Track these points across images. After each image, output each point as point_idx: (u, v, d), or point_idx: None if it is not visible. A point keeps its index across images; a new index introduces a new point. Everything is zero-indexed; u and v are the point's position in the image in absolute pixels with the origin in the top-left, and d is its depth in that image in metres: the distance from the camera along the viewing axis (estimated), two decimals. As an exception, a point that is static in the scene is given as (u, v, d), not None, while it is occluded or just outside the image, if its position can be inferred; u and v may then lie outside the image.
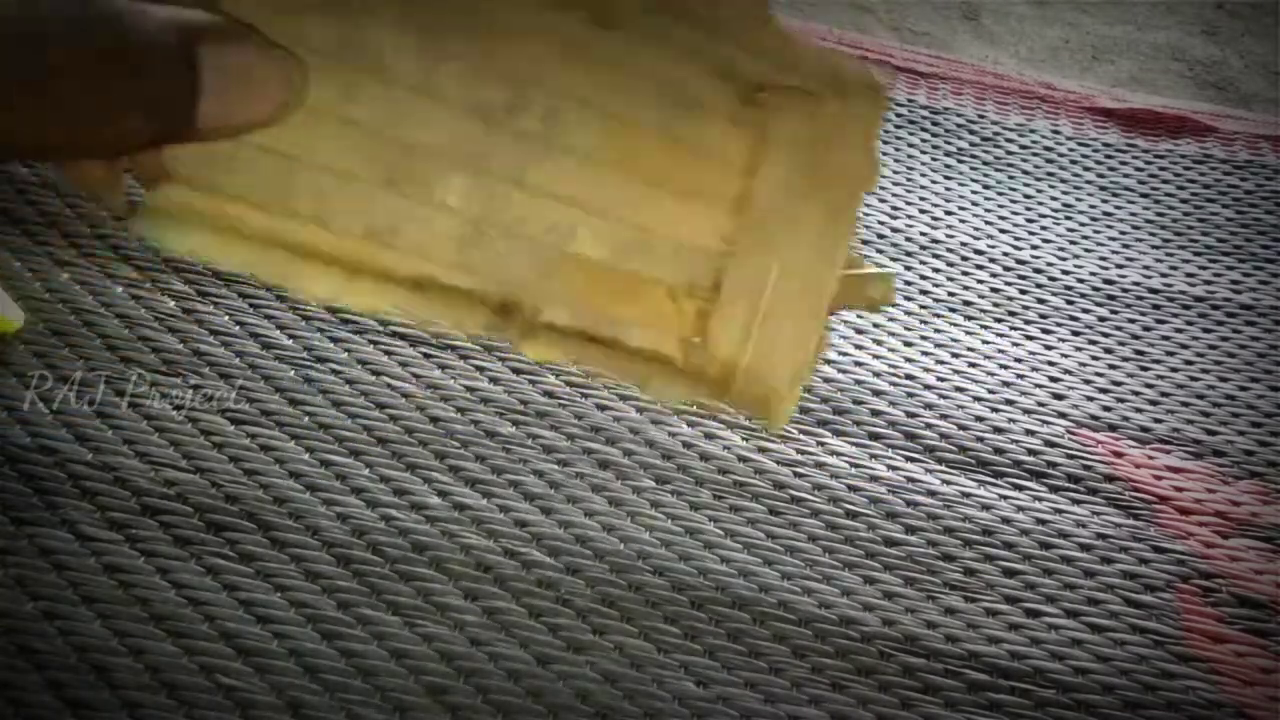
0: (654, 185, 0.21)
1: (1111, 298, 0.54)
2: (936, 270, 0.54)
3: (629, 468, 0.43)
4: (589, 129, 0.21)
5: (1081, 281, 0.55)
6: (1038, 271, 0.55)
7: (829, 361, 0.48)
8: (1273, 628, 0.41)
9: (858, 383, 0.48)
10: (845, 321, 0.51)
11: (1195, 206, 0.60)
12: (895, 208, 0.57)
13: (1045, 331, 0.52)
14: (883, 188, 0.58)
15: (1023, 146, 0.62)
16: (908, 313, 0.52)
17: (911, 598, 0.41)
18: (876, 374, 0.48)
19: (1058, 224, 0.58)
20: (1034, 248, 0.56)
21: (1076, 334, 0.52)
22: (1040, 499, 0.45)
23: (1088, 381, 0.50)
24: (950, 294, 0.53)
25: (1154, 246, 0.57)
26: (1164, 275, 0.56)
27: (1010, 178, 0.60)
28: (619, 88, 0.21)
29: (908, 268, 0.54)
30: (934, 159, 0.61)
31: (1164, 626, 0.41)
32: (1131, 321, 0.53)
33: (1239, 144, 0.64)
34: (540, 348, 0.21)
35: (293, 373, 0.43)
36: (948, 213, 0.57)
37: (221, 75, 0.16)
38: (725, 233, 0.22)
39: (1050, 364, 0.50)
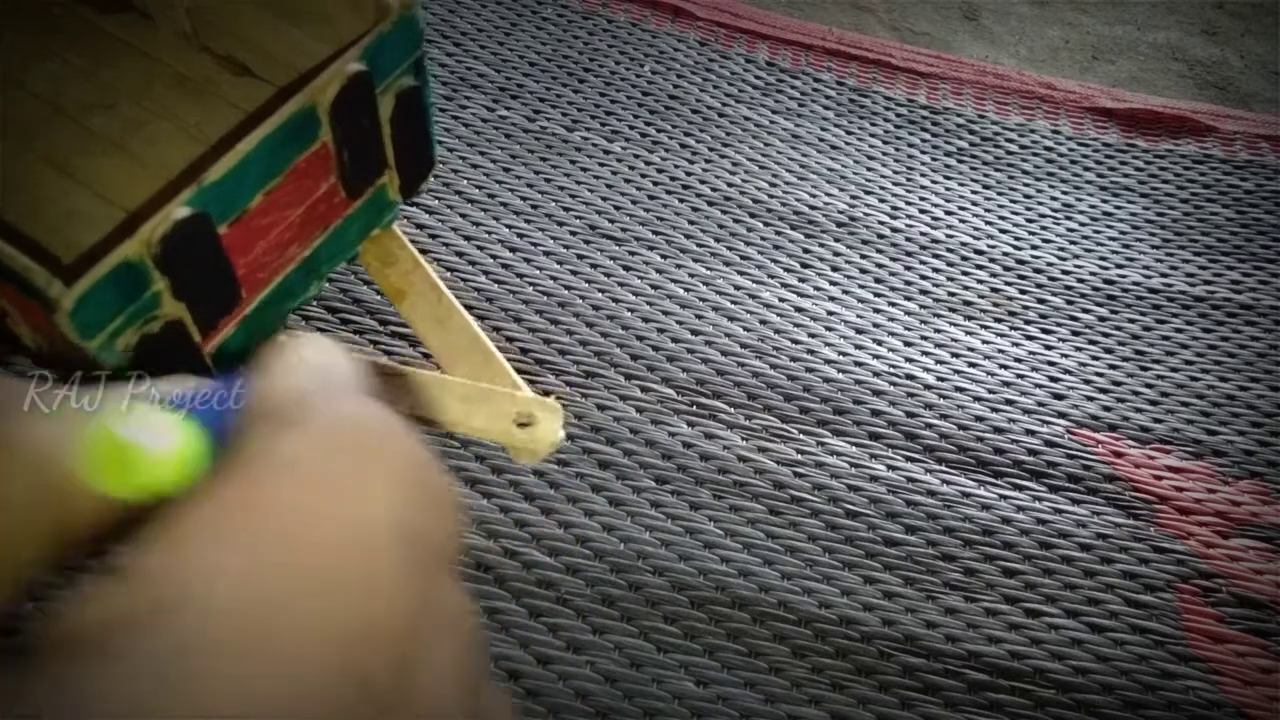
0: None
1: (1111, 298, 0.54)
2: (936, 270, 0.54)
3: (629, 468, 0.43)
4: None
5: (1081, 281, 0.55)
6: (1038, 271, 0.55)
7: (829, 361, 0.48)
8: (1273, 628, 0.41)
9: (858, 383, 0.48)
10: (845, 321, 0.51)
11: (1195, 206, 0.60)
12: (895, 208, 0.57)
13: (1045, 331, 0.52)
14: (883, 188, 0.58)
15: (1023, 146, 0.62)
16: (908, 313, 0.52)
17: (911, 598, 0.41)
18: (876, 374, 0.48)
19: (1058, 224, 0.58)
20: (1034, 248, 0.56)
21: (1076, 334, 0.52)
22: (1040, 499, 0.45)
23: (1088, 381, 0.50)
24: (950, 294, 0.53)
25: (1154, 246, 0.57)
26: (1164, 275, 0.56)
27: (1010, 178, 0.60)
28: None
29: (908, 268, 0.54)
30: (934, 159, 0.61)
31: (1164, 626, 0.41)
32: (1131, 321, 0.53)
33: (1239, 144, 0.64)
34: None
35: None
36: (948, 213, 0.57)
37: None
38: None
39: (1050, 364, 0.50)
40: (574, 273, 0.50)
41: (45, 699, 0.08)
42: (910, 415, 0.47)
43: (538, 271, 0.50)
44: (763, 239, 0.54)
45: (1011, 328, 0.52)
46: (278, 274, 0.24)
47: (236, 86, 0.23)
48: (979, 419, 0.47)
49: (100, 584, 0.09)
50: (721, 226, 0.54)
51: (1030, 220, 0.58)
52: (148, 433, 0.10)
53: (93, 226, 0.20)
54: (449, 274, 0.49)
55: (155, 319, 0.20)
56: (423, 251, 0.49)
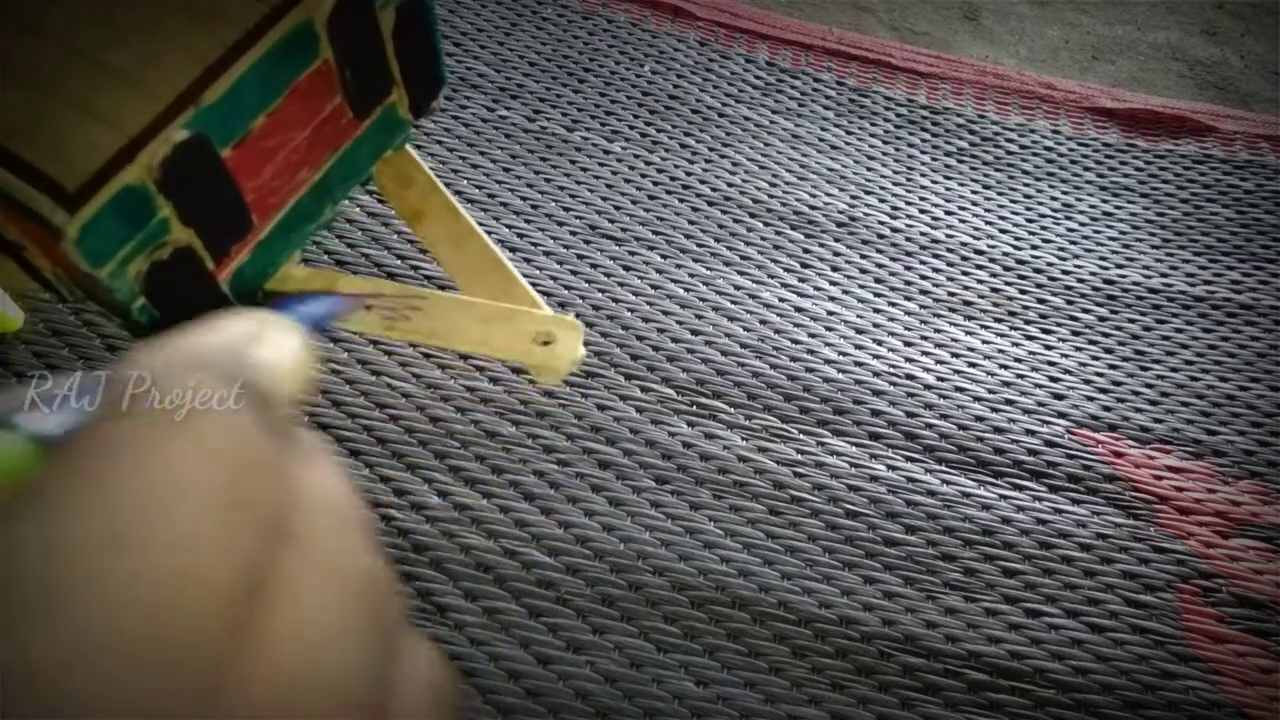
0: None
1: (1111, 298, 0.54)
2: (936, 270, 0.54)
3: (629, 468, 0.43)
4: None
5: (1081, 281, 0.55)
6: (1038, 271, 0.55)
7: (829, 361, 0.48)
8: (1273, 628, 0.41)
9: (858, 383, 0.48)
10: (845, 321, 0.51)
11: (1195, 206, 0.60)
12: (895, 208, 0.57)
13: (1045, 331, 0.52)
14: (883, 188, 0.58)
15: (1023, 146, 0.62)
16: (908, 313, 0.52)
17: (911, 598, 0.41)
18: (876, 374, 0.48)
19: (1058, 224, 0.58)
20: (1034, 248, 0.56)
21: (1076, 334, 0.52)
22: (1040, 499, 0.45)
23: (1088, 381, 0.50)
24: (950, 294, 0.53)
25: (1154, 246, 0.57)
26: (1164, 275, 0.56)
27: (1010, 178, 0.60)
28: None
29: (908, 268, 0.54)
30: (934, 159, 0.61)
31: (1164, 626, 0.41)
32: (1131, 321, 0.53)
33: (1239, 144, 0.64)
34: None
35: (293, 373, 0.43)
36: (948, 213, 0.57)
37: None
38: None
39: (1050, 364, 0.50)
40: (574, 273, 0.50)
41: None
42: (910, 415, 0.47)
43: (538, 271, 0.50)
44: (763, 239, 0.54)
45: (1011, 328, 0.52)
46: (289, 198, 0.24)
47: (245, 8, 0.22)
48: (979, 419, 0.47)
49: None
50: (721, 226, 0.54)
51: (1030, 220, 0.58)
52: None
53: (97, 153, 0.20)
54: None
55: (165, 245, 0.20)
56: (422, 251, 0.49)
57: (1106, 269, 0.56)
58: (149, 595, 0.09)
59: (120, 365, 0.11)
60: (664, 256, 0.52)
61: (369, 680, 0.11)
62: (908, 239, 0.55)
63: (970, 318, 0.52)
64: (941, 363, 0.49)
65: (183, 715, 0.09)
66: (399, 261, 0.49)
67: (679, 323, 0.49)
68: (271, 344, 0.13)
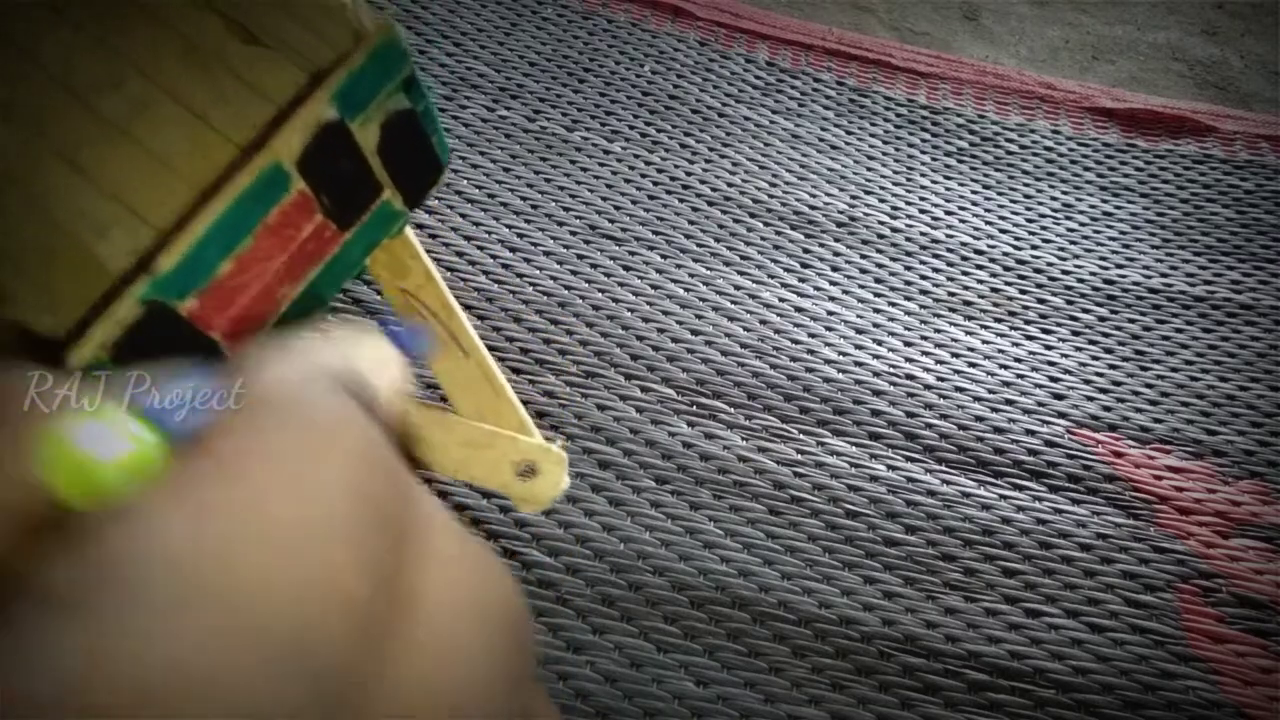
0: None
1: (1111, 298, 0.54)
2: (936, 270, 0.54)
3: (629, 468, 0.43)
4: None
5: (1081, 281, 0.55)
6: (1038, 271, 0.55)
7: (829, 361, 0.48)
8: (1273, 628, 0.41)
9: (858, 383, 0.48)
10: (845, 321, 0.51)
11: (1195, 206, 0.60)
12: (895, 208, 0.57)
13: (1045, 331, 0.52)
14: (883, 188, 0.58)
15: (1023, 146, 0.62)
16: (908, 313, 0.52)
17: (911, 598, 0.40)
18: (876, 374, 0.48)
19: (1058, 224, 0.58)
20: (1034, 248, 0.56)
21: (1076, 334, 0.52)
22: (1040, 499, 0.45)
23: (1088, 381, 0.50)
24: (950, 294, 0.53)
25: (1154, 246, 0.57)
26: (1164, 275, 0.56)
27: (1010, 178, 0.60)
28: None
29: (908, 268, 0.54)
30: (934, 159, 0.61)
31: (1164, 626, 0.41)
32: (1131, 321, 0.53)
33: (1239, 144, 0.64)
34: None
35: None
36: (948, 213, 0.57)
37: None
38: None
39: (1050, 364, 0.50)
40: (574, 273, 0.50)
41: (6, 651, 0.08)
42: (910, 415, 0.47)
43: (538, 271, 0.50)
44: (763, 239, 0.54)
45: (1011, 328, 0.52)
46: (268, 318, 0.23)
47: (244, 59, 0.22)
48: (979, 419, 0.47)
49: (61, 544, 0.09)
50: (721, 226, 0.54)
51: (1030, 220, 0.58)
52: (103, 440, 0.10)
53: (57, 321, 0.20)
54: (450, 273, 0.48)
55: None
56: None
57: (1106, 269, 0.56)
58: (289, 593, 0.09)
59: (243, 362, 0.11)
60: (664, 256, 0.52)
61: (500, 709, 0.11)
62: (908, 239, 0.55)
63: (970, 318, 0.52)
64: (941, 363, 0.49)
65: (313, 716, 0.08)
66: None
67: (679, 323, 0.49)
68: (383, 368, 0.13)
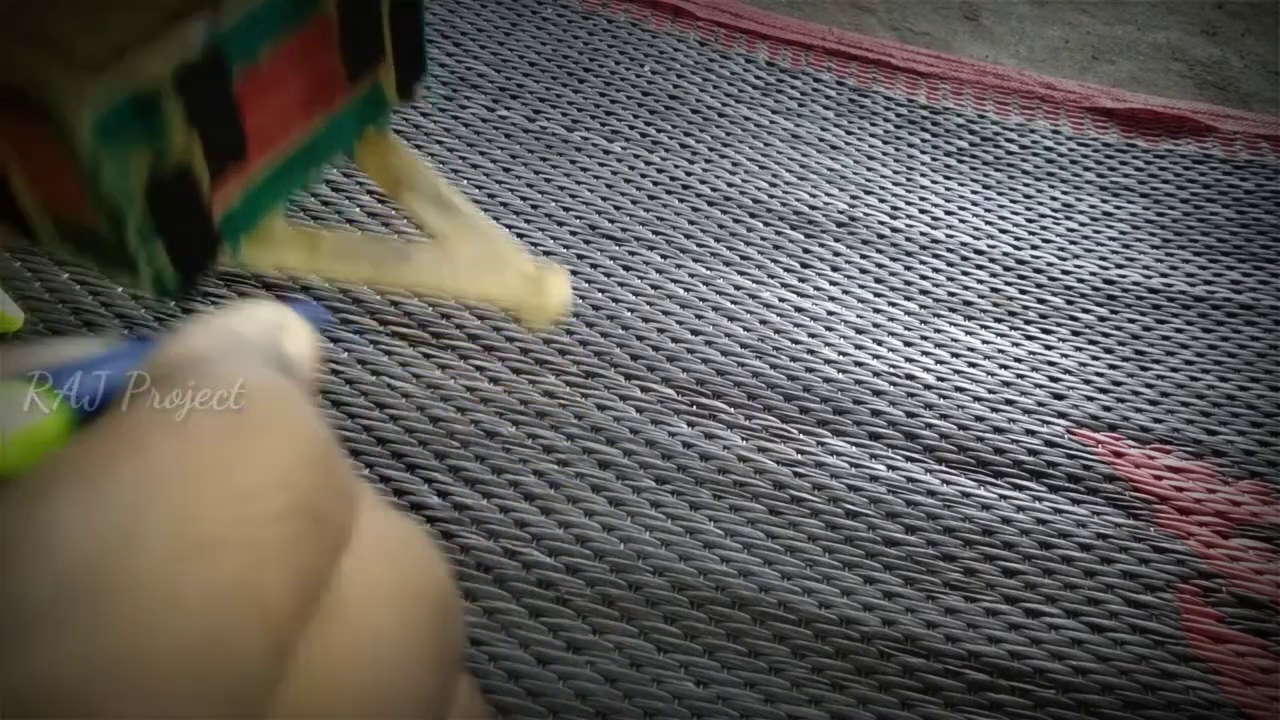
0: None
1: (1111, 298, 0.54)
2: (936, 270, 0.54)
3: (629, 468, 0.43)
4: None
5: (1081, 281, 0.55)
6: (1038, 271, 0.55)
7: (829, 361, 0.48)
8: (1273, 628, 0.41)
9: (858, 383, 0.48)
10: (845, 321, 0.51)
11: (1195, 206, 0.60)
12: (895, 208, 0.57)
13: (1045, 331, 0.52)
14: (883, 188, 0.58)
15: (1023, 146, 0.62)
16: (908, 313, 0.52)
17: (911, 598, 0.41)
18: (876, 374, 0.48)
19: (1058, 224, 0.58)
20: (1034, 248, 0.56)
21: (1076, 334, 0.52)
22: (1040, 499, 0.45)
23: (1088, 381, 0.50)
24: (950, 294, 0.53)
25: (1154, 246, 0.57)
26: (1164, 275, 0.56)
27: (1010, 178, 0.60)
28: None
29: (908, 268, 0.54)
30: (934, 159, 0.61)
31: (1164, 626, 0.41)
32: (1131, 321, 0.53)
33: (1239, 144, 0.64)
34: None
35: (293, 373, 0.43)
36: (948, 213, 0.57)
37: None
38: None
39: (1050, 364, 0.50)
40: (574, 273, 0.50)
41: None
42: (910, 415, 0.47)
43: (538, 271, 0.50)
44: (763, 239, 0.54)
45: (1011, 328, 0.52)
46: (280, 146, 0.24)
47: None
48: (979, 419, 0.47)
49: None
50: (721, 226, 0.54)
51: (1030, 220, 0.58)
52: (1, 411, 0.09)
53: (107, 40, 0.19)
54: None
55: (167, 154, 0.19)
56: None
57: (1106, 269, 0.56)
58: (199, 604, 0.08)
59: (167, 338, 0.10)
60: (664, 256, 0.52)
61: (426, 711, 0.10)
62: (908, 239, 0.55)
63: (970, 318, 0.52)
64: (941, 363, 0.49)
65: None
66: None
67: (679, 323, 0.49)
68: (295, 336, 0.12)
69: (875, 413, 0.47)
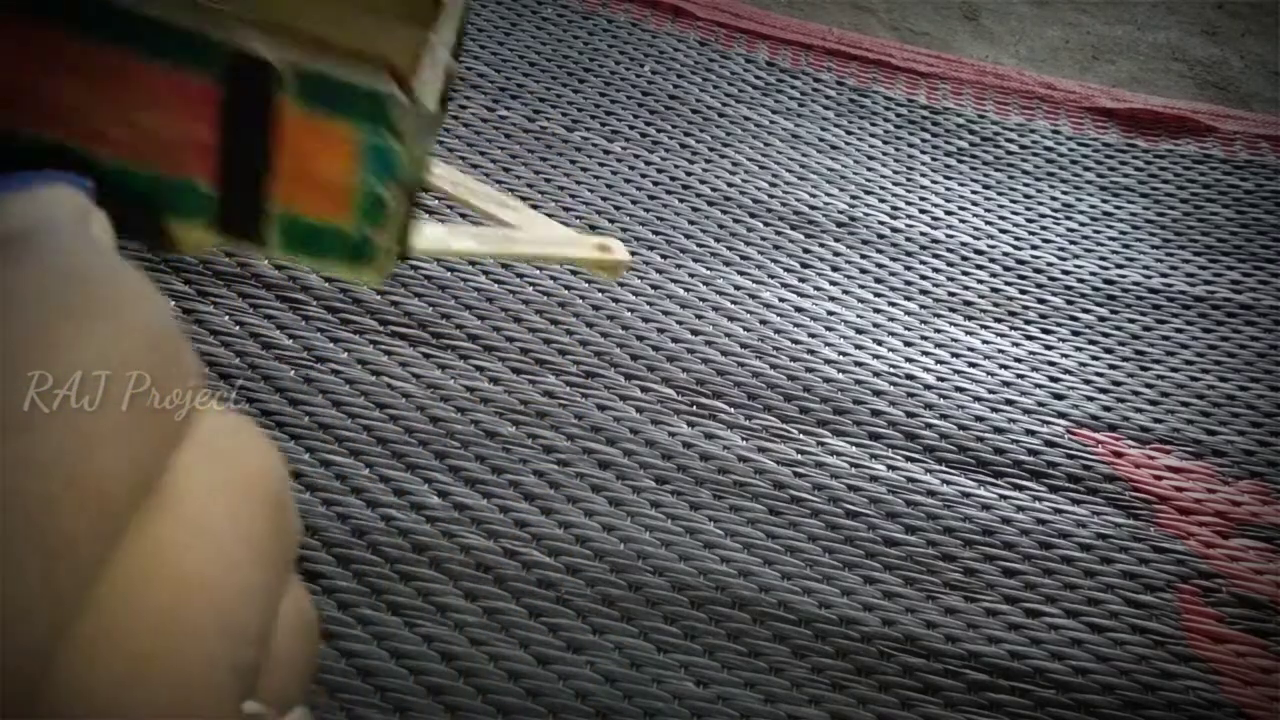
0: None
1: (1111, 298, 0.54)
2: (936, 270, 0.54)
3: (629, 468, 0.43)
4: None
5: (1081, 281, 0.55)
6: (1038, 271, 0.55)
7: (829, 361, 0.48)
8: (1273, 628, 0.41)
9: (858, 383, 0.48)
10: (845, 321, 0.51)
11: (1195, 206, 0.60)
12: (895, 208, 0.57)
13: (1045, 331, 0.52)
14: (883, 188, 0.58)
15: (1023, 146, 0.62)
16: (908, 313, 0.52)
17: (911, 598, 0.41)
18: (876, 374, 0.48)
19: (1058, 224, 0.58)
20: (1034, 248, 0.56)
21: (1076, 334, 0.52)
22: (1040, 499, 0.45)
23: (1088, 381, 0.50)
24: (950, 294, 0.53)
25: (1154, 246, 0.57)
26: (1164, 275, 0.56)
27: (1010, 178, 0.60)
28: None
29: (908, 268, 0.54)
30: (934, 159, 0.61)
31: (1164, 626, 0.41)
32: (1131, 321, 0.53)
33: (1239, 144, 0.64)
34: None
35: (293, 373, 0.43)
36: (948, 213, 0.57)
37: None
38: None
39: (1050, 364, 0.50)
40: (574, 272, 0.50)
41: None
42: (910, 415, 0.47)
43: (538, 271, 0.50)
44: (763, 239, 0.54)
45: (1011, 328, 0.52)
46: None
47: None
48: (979, 419, 0.47)
49: None
50: (721, 226, 0.54)
51: (1030, 220, 0.58)
52: None
53: (400, 53, 0.18)
54: (450, 273, 0.49)
55: (421, 154, 0.19)
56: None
57: (1106, 269, 0.56)
58: (22, 481, 0.07)
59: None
60: (664, 256, 0.52)
61: (259, 607, 0.10)
62: (908, 239, 0.55)
63: (970, 318, 0.52)
64: (941, 363, 0.49)
65: (36, 644, 0.07)
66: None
67: (679, 323, 0.49)
68: (98, 221, 0.11)
69: (875, 413, 0.47)
